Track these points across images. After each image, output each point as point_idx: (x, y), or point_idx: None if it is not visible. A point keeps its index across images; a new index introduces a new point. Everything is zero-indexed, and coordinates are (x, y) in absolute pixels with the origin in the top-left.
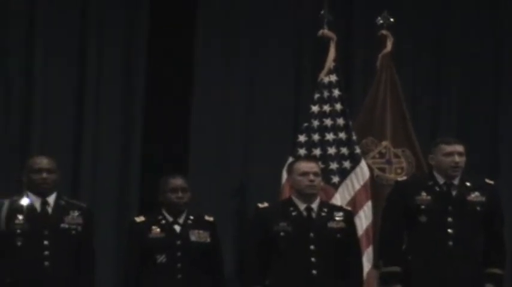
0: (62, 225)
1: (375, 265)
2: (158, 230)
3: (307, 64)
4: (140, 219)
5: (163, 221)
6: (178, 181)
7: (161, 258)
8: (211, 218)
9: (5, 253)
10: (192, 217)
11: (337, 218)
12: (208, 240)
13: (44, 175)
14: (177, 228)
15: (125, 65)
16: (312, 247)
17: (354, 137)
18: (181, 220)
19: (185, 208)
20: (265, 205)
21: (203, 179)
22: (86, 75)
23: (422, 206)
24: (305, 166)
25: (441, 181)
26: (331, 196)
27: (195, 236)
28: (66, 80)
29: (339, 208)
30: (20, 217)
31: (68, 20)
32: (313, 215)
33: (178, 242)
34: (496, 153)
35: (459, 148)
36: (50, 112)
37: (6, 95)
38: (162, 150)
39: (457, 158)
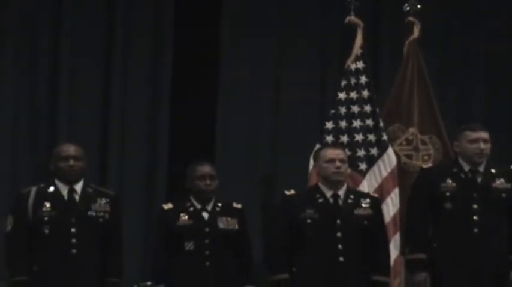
0: (89, 212)
1: (402, 252)
2: (186, 217)
3: (334, 51)
4: (168, 206)
5: (192, 209)
6: (206, 168)
7: (189, 245)
8: (239, 206)
9: (32, 240)
10: (220, 204)
11: (363, 205)
12: (236, 227)
13: (71, 162)
14: (205, 215)
15: (153, 53)
16: (338, 234)
17: (381, 124)
18: (209, 207)
19: (213, 195)
20: (292, 192)
21: (231, 167)
22: (113, 62)
23: (448, 193)
24: (331, 152)
25: (466, 167)
26: (358, 182)
27: (223, 223)
28: (94, 67)
29: (366, 195)
30: (47, 204)
31: (95, 12)
32: (340, 202)
33: (207, 229)
34: None
35: (484, 134)
36: (77, 99)
37: (33, 83)
38: (189, 137)
39: (482, 145)
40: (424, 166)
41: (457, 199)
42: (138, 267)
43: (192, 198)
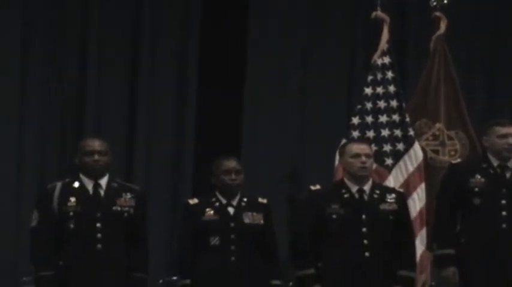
0: (114, 207)
1: (429, 248)
2: (212, 212)
3: (361, 46)
4: (194, 201)
5: (217, 204)
6: (231, 163)
7: (215, 240)
8: (264, 201)
9: (57, 235)
10: (245, 199)
11: (389, 200)
12: (262, 222)
13: (96, 157)
14: (231, 210)
15: (179, 49)
16: (364, 229)
17: (408, 119)
18: (235, 202)
19: (239, 190)
20: (318, 187)
21: (257, 161)
22: (140, 57)
23: (476, 189)
24: (357, 147)
25: (495, 163)
26: (384, 178)
27: (248, 218)
28: (121, 62)
29: (391, 190)
30: (73, 199)
31: (122, 4)
32: (365, 197)
33: (232, 225)
34: None
35: None
36: (104, 94)
37: (61, 78)
38: (216, 132)
39: (511, 140)
40: (453, 162)
41: (486, 194)
42: (163, 262)
43: (217, 193)
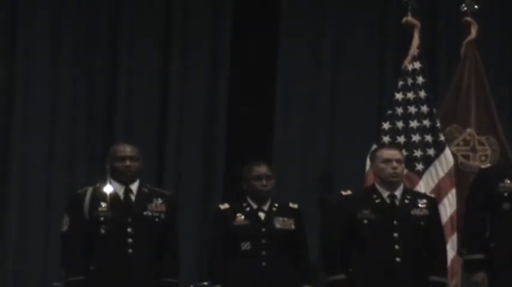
0: (145, 213)
1: (459, 253)
2: (243, 217)
3: (391, 51)
4: (225, 206)
5: (248, 209)
6: (262, 169)
7: (246, 245)
8: (295, 206)
9: (88, 241)
10: (276, 205)
11: (420, 205)
12: (293, 227)
13: (128, 162)
14: (262, 215)
15: (210, 53)
16: (395, 234)
17: (438, 125)
18: (265, 208)
19: (269, 196)
20: (349, 192)
21: (288, 167)
22: (171, 59)
23: (506, 194)
24: (387, 153)
25: None
26: (415, 183)
27: (279, 223)
28: (152, 66)
29: (423, 195)
30: (104, 204)
31: (153, 6)
32: (397, 202)
33: (263, 230)
34: None
35: None
36: (134, 99)
37: (91, 82)
38: (247, 137)
39: None
40: (483, 166)
41: None
42: (194, 267)
43: (248, 198)
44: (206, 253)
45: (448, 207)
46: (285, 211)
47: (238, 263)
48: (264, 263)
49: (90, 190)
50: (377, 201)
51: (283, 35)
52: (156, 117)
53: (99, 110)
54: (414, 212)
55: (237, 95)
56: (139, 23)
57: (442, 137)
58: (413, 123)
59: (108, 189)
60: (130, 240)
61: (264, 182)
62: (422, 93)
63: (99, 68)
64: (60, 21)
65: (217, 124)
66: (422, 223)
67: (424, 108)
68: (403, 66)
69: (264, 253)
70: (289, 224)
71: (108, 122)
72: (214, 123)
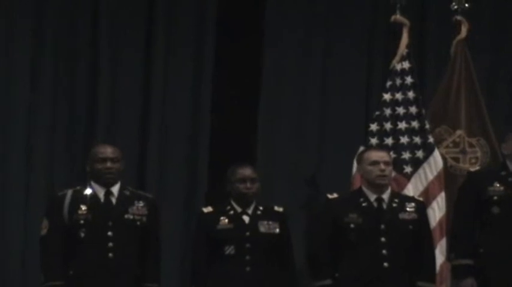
0: (126, 216)
1: (448, 258)
2: (226, 221)
3: (379, 51)
4: (208, 210)
5: (232, 212)
6: (247, 171)
7: (229, 250)
8: (281, 209)
9: (68, 244)
10: (261, 208)
11: (408, 209)
12: (278, 231)
13: (109, 164)
14: (246, 219)
15: (194, 50)
16: (383, 239)
17: (427, 126)
18: (250, 211)
19: (254, 199)
20: (335, 195)
21: (273, 168)
22: (153, 60)
23: (495, 197)
24: (375, 155)
25: None
26: (403, 186)
27: (264, 227)
28: (134, 66)
29: (411, 199)
30: (83, 207)
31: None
32: (384, 206)
33: (247, 234)
34: None
35: None
36: (116, 99)
37: (71, 82)
38: (230, 138)
39: None
40: (471, 170)
41: (505, 203)
42: (176, 272)
43: (232, 201)
44: (189, 258)
45: (437, 211)
46: (269, 215)
47: (222, 268)
48: (248, 268)
49: (69, 192)
50: (364, 204)
51: (269, 36)
52: (138, 118)
53: (79, 110)
54: (402, 216)
55: (222, 95)
56: (120, 24)
57: (431, 139)
58: (402, 125)
59: (88, 191)
60: (110, 244)
61: (248, 184)
62: (411, 94)
63: (80, 67)
64: (41, 21)
65: (201, 125)
66: (410, 227)
67: (413, 109)
68: (391, 66)
69: (248, 257)
70: (274, 228)
71: (89, 122)
72: (198, 124)
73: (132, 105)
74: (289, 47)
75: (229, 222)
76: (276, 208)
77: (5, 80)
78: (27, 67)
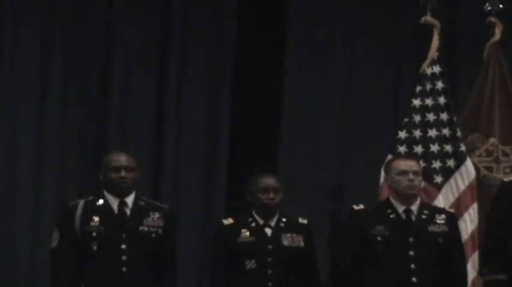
0: (141, 228)
1: (480, 273)
2: (248, 233)
3: (408, 54)
4: (228, 221)
5: (253, 224)
6: (270, 180)
7: (250, 264)
8: (305, 221)
9: (79, 258)
10: (284, 220)
11: (438, 221)
12: (302, 244)
13: (123, 173)
14: (268, 231)
15: (212, 58)
16: (411, 252)
17: (459, 134)
18: (272, 223)
19: (277, 210)
20: (361, 206)
21: (295, 178)
22: (169, 63)
23: None
24: (404, 164)
25: None
26: (433, 197)
27: (287, 240)
28: (147, 68)
29: (441, 210)
30: (96, 219)
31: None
32: (413, 218)
33: (270, 247)
34: None
35: None
36: (130, 106)
37: (82, 87)
38: (250, 147)
39: None
40: (505, 179)
41: None
42: (193, 285)
43: (254, 213)
44: (208, 272)
45: (468, 223)
46: (293, 227)
47: (242, 283)
48: (270, 283)
49: (81, 202)
50: (392, 216)
51: (291, 41)
52: (154, 124)
53: (91, 116)
54: (432, 228)
55: (241, 102)
56: (135, 22)
57: (462, 147)
58: (432, 132)
59: (101, 202)
60: (124, 257)
61: (271, 195)
62: (441, 100)
63: (92, 71)
64: (50, 21)
65: (219, 134)
66: (440, 240)
67: (444, 116)
68: (421, 71)
69: (270, 272)
70: (298, 241)
71: (101, 129)
72: (216, 133)
73: (146, 111)
74: (312, 49)
75: (250, 235)
76: (300, 220)
77: (14, 86)
78: (37, 72)
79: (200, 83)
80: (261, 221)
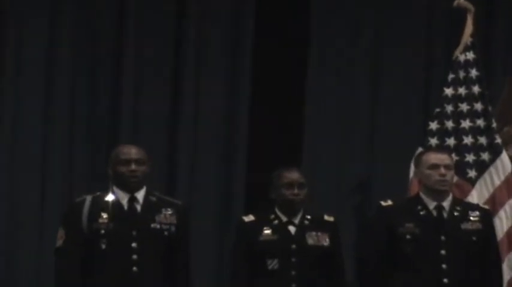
0: (153, 225)
1: None
2: (270, 231)
3: (440, 40)
4: (249, 219)
5: (276, 222)
6: (294, 175)
7: (273, 264)
8: (331, 218)
9: (86, 257)
10: (309, 217)
11: (472, 218)
12: (328, 243)
13: (133, 166)
14: (292, 229)
15: (230, 46)
16: (443, 251)
17: (494, 125)
18: (296, 220)
19: (302, 206)
20: (389, 202)
21: (320, 173)
22: (184, 47)
23: None
24: (435, 157)
25: None
26: (466, 192)
27: (312, 239)
28: (162, 60)
29: (475, 207)
30: (105, 215)
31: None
32: (445, 215)
33: (293, 246)
34: None
35: None
36: (141, 94)
37: (91, 76)
38: (272, 139)
39: None
40: None
41: None
42: None
43: (277, 209)
44: (226, 273)
45: (504, 220)
46: (319, 225)
47: (264, 285)
48: (294, 285)
49: (89, 198)
50: (422, 213)
51: (314, 24)
52: (167, 114)
53: (100, 107)
54: (465, 226)
55: (262, 92)
56: (148, 10)
57: (498, 140)
58: (466, 123)
59: (109, 197)
60: (135, 257)
61: (296, 190)
62: (476, 89)
63: (102, 57)
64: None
65: (238, 124)
66: (474, 238)
67: (478, 106)
68: (454, 57)
69: (294, 272)
70: (324, 239)
71: (110, 120)
72: (235, 122)
73: (159, 101)
74: (337, 36)
75: (273, 233)
76: (326, 217)
77: (20, 76)
78: (44, 62)
79: (219, 71)
80: (284, 219)
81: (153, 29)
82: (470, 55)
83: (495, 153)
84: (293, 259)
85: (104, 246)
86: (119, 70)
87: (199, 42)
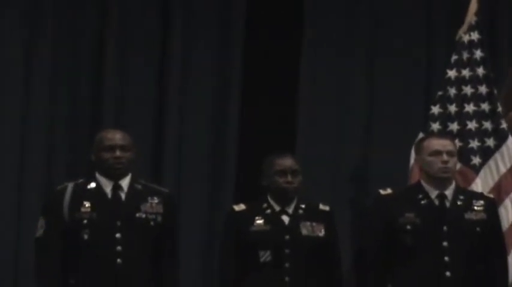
0: (138, 214)
1: None
2: (262, 221)
3: (442, 19)
4: (240, 208)
5: (269, 211)
6: (287, 162)
7: (266, 256)
8: (326, 208)
9: (68, 248)
10: (303, 206)
11: (476, 208)
12: (323, 234)
13: (117, 153)
14: (286, 219)
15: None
16: (445, 243)
17: (500, 109)
18: (290, 210)
19: (295, 195)
20: (389, 191)
21: (315, 159)
22: (172, 26)
23: None
24: (437, 143)
25: None
26: (470, 180)
27: (306, 229)
28: (145, 35)
29: (479, 196)
30: (87, 204)
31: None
32: (447, 204)
33: (287, 237)
34: None
35: None
36: (125, 76)
37: (72, 58)
38: (264, 124)
39: None
40: None
41: None
42: (199, 282)
43: (269, 198)
44: (215, 265)
45: (510, 210)
46: (313, 214)
47: (256, 277)
48: (287, 278)
49: (70, 186)
50: (423, 202)
51: (309, 8)
52: (153, 98)
53: (82, 90)
54: (469, 216)
55: (254, 73)
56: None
57: (504, 125)
58: (469, 107)
59: (92, 185)
60: (119, 248)
61: (289, 178)
62: (480, 71)
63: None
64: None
65: (228, 109)
66: (478, 229)
67: (483, 89)
68: (457, 38)
69: (287, 265)
70: (319, 230)
71: (93, 104)
72: (225, 107)
73: (144, 84)
74: (333, 18)
75: (265, 223)
76: (321, 206)
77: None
78: (23, 49)
79: (207, 54)
80: (277, 208)
81: (137, 16)
82: (474, 35)
83: (501, 139)
84: (286, 251)
85: (86, 236)
86: (102, 60)
87: (188, 22)
